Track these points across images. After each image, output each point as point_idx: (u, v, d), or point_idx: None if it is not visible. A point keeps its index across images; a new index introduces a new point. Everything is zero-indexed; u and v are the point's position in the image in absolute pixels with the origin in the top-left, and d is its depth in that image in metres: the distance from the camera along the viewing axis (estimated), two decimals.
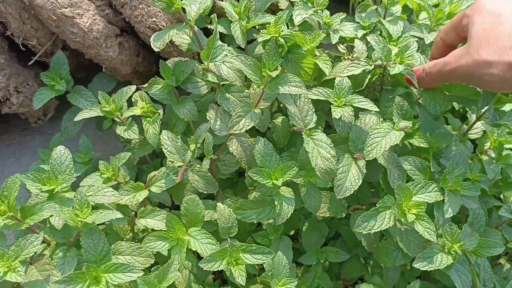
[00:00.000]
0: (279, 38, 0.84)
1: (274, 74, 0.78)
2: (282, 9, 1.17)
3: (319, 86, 0.93)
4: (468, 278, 0.84)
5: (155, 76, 0.92)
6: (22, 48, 0.98)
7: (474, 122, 0.99)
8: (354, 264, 1.10)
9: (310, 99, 0.87)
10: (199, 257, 0.92)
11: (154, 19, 0.98)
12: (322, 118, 0.98)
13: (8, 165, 1.12)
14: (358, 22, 1.04)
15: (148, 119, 0.93)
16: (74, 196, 0.82)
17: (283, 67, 0.89)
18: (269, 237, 0.97)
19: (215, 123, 0.90)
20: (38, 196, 0.86)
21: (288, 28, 0.94)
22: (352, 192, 0.82)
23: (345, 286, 1.16)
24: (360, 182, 0.83)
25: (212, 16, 0.94)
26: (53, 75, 0.98)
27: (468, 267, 0.84)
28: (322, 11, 1.00)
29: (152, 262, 0.84)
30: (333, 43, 0.99)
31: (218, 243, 0.82)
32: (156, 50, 0.87)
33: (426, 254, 0.81)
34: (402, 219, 0.80)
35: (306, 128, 0.86)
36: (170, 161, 0.88)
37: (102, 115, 0.95)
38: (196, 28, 0.94)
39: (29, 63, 1.01)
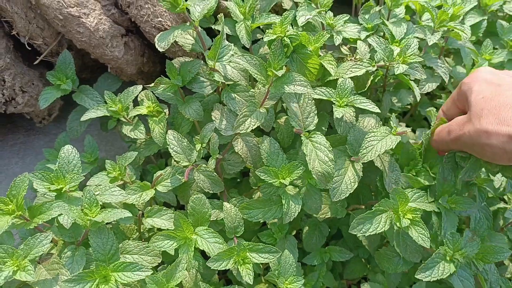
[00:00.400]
0: (285, 38, 0.85)
1: (280, 73, 0.79)
2: (285, 9, 1.18)
3: (322, 86, 0.94)
4: (471, 282, 0.84)
5: (161, 75, 0.93)
6: (27, 47, 0.98)
7: None
8: (356, 265, 1.10)
9: (313, 101, 0.87)
10: (204, 257, 0.92)
11: (159, 19, 0.98)
12: (325, 118, 0.99)
13: (12, 165, 1.12)
14: (361, 24, 1.05)
15: (154, 118, 0.94)
16: (82, 195, 0.83)
17: (288, 67, 0.90)
18: (274, 236, 0.98)
19: (220, 122, 0.90)
20: (45, 195, 0.86)
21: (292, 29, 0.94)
22: (347, 195, 0.83)
23: (349, 285, 1.17)
24: (356, 185, 0.83)
25: (219, 16, 0.94)
26: (59, 75, 0.99)
27: (469, 271, 0.84)
28: (326, 12, 1.01)
29: (159, 261, 0.85)
30: (336, 44, 1.00)
31: (225, 242, 0.83)
32: (161, 50, 0.88)
33: (429, 265, 0.81)
34: (398, 224, 0.80)
35: (306, 130, 0.86)
36: (176, 160, 0.89)
37: (108, 115, 0.95)
38: (200, 28, 0.94)
39: (35, 63, 1.01)
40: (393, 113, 1.08)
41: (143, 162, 1.10)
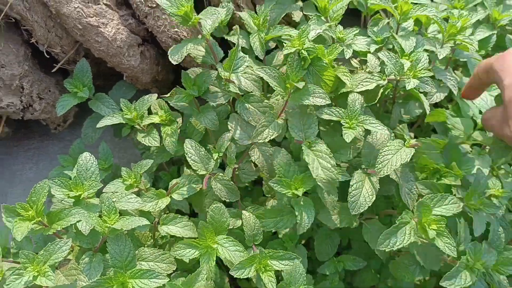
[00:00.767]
0: (302, 51, 0.87)
1: (300, 85, 0.81)
2: (295, 20, 1.21)
3: (334, 98, 0.95)
4: None
5: (177, 86, 0.94)
6: (46, 55, 0.99)
7: None
8: (367, 275, 1.11)
9: (314, 112, 0.88)
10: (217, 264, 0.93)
11: (176, 29, 1.00)
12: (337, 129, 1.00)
13: (26, 170, 1.13)
14: (370, 37, 1.06)
15: (166, 127, 0.95)
16: (99, 202, 0.84)
17: (304, 79, 0.92)
18: (285, 245, 0.99)
19: (235, 132, 0.92)
20: (62, 201, 0.87)
21: None
22: (366, 208, 0.84)
23: None
24: (374, 198, 0.84)
25: (234, 27, 0.96)
26: (76, 82, 1.00)
27: (484, 282, 0.85)
28: (336, 26, 1.03)
29: (174, 269, 0.86)
30: (347, 58, 1.01)
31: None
32: (174, 63, 0.87)
33: (453, 273, 0.82)
34: (423, 235, 0.82)
35: (306, 140, 0.88)
36: (193, 169, 0.90)
37: (124, 122, 0.97)
38: (211, 40, 0.96)
39: (53, 71, 1.02)
40: (403, 124, 1.09)
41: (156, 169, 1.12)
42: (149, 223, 0.81)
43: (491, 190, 0.90)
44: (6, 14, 0.92)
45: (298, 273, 0.89)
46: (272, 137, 0.86)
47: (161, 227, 0.91)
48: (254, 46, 0.98)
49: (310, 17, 1.02)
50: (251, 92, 0.93)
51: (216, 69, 0.95)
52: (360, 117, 0.86)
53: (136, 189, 0.95)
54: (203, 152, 0.91)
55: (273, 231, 0.95)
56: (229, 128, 0.92)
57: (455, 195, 0.89)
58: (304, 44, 0.86)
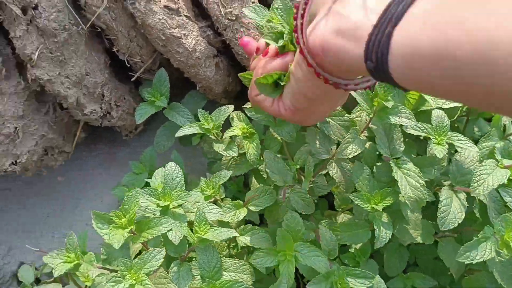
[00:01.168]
0: None
1: (389, 104, 0.81)
2: None
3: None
4: None
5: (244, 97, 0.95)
6: (127, 64, 1.01)
7: None
8: None
9: (399, 128, 0.89)
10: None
11: None
12: (412, 145, 1.01)
13: (96, 176, 1.15)
14: None
15: (248, 139, 0.96)
16: (185, 212, 0.85)
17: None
18: (357, 259, 0.99)
19: (313, 145, 0.93)
20: (146, 209, 0.88)
21: None
22: (455, 225, 0.84)
23: None
24: (463, 215, 0.84)
25: None
26: (154, 92, 1.02)
27: None
28: None
29: (253, 280, 0.87)
30: None
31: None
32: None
33: None
34: (505, 250, 0.82)
35: (393, 157, 0.88)
36: (272, 181, 0.91)
37: (202, 132, 0.98)
38: None
39: (132, 79, 1.04)
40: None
41: None
42: (238, 234, 0.82)
43: None
44: (93, 23, 0.95)
45: None
46: (356, 154, 0.86)
47: (239, 238, 0.92)
48: None
49: None
50: None
51: None
52: (448, 133, 0.86)
53: (212, 200, 0.96)
54: (281, 164, 0.92)
55: (342, 245, 0.95)
56: (307, 141, 0.93)
57: None
58: None
